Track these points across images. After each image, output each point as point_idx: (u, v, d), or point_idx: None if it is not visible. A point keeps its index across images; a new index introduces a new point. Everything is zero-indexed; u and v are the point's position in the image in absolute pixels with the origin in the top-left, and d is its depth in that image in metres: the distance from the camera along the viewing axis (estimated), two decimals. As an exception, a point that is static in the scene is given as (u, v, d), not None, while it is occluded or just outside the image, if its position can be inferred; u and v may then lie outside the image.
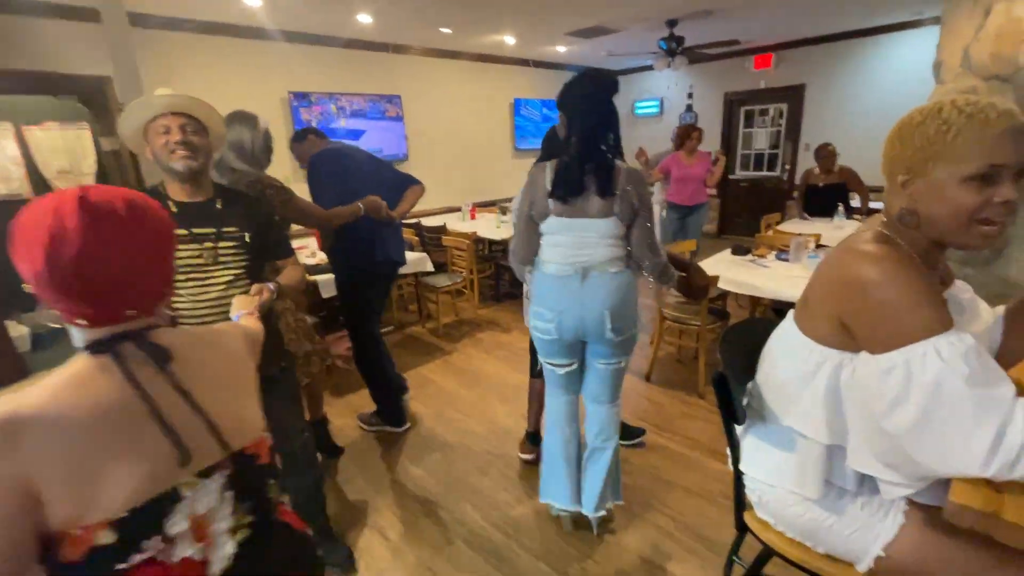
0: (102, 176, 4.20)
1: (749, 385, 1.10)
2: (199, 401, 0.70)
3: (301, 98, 4.57)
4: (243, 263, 1.41)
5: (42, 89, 3.51)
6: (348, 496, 2.20)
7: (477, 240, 4.52)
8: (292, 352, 2.07)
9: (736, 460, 1.10)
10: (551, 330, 1.65)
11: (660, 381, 3.11)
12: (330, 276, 3.07)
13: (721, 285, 2.86)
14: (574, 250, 1.57)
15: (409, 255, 3.52)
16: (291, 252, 1.61)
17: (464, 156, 6.02)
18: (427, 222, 4.94)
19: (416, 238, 4.56)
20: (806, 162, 6.26)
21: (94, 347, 0.65)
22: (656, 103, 7.41)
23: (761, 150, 6.73)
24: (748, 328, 1.18)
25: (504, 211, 5.08)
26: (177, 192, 1.38)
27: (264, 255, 1.51)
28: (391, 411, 2.67)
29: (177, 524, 0.64)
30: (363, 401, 2.94)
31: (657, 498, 2.10)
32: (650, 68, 6.91)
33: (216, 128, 1.41)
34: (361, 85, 4.96)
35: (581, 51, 5.94)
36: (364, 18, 4.06)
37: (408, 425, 2.72)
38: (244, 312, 1.16)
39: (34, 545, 0.58)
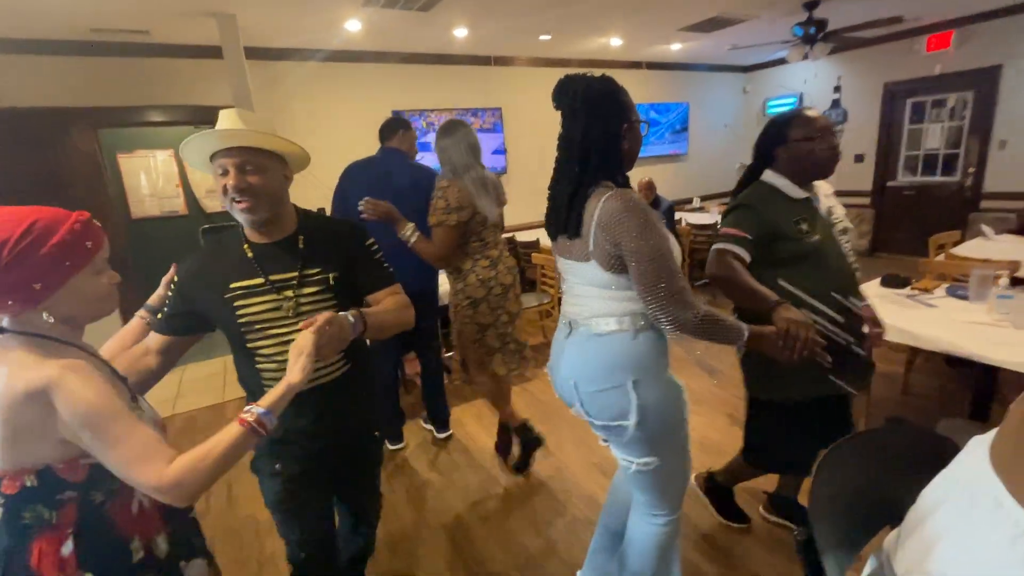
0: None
1: (869, 572, 0.66)
2: None
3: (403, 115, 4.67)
4: (330, 310, 1.12)
5: (185, 119, 3.98)
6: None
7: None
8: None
9: None
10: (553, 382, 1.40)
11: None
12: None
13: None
14: (567, 298, 1.31)
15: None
16: (390, 282, 1.31)
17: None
18: (521, 236, 4.75)
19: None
20: (1000, 164, 4.93)
21: None
22: (792, 100, 6.44)
23: (933, 150, 5.47)
24: (873, 445, 0.74)
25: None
26: (252, 233, 1.18)
27: (355, 293, 1.26)
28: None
29: None
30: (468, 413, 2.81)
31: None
32: (783, 62, 6.01)
33: (290, 153, 1.17)
34: (461, 100, 4.95)
35: (699, 47, 5.34)
36: (460, 32, 4.01)
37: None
38: (246, 412, 0.87)
39: None
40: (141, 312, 1.26)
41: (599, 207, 1.12)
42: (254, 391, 1.22)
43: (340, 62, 4.34)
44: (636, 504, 1.36)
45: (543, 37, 4.42)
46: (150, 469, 0.77)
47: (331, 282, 1.19)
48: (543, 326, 4.28)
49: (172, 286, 1.20)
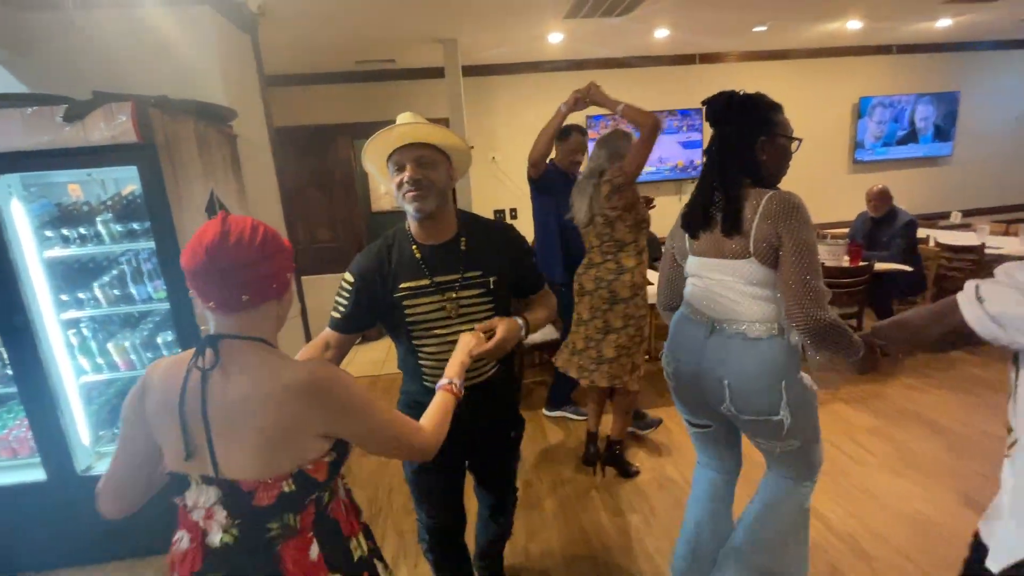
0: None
1: None
2: (209, 414, 0.79)
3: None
4: (487, 312, 1.24)
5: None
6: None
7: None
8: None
9: None
10: (670, 375, 1.50)
11: None
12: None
13: None
14: (707, 296, 1.36)
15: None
16: (542, 284, 1.40)
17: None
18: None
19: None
20: None
21: (202, 340, 0.83)
22: None
23: None
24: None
25: (824, 237, 4.02)
26: (419, 234, 1.24)
27: (510, 296, 1.32)
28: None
29: (190, 499, 0.82)
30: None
31: None
32: None
33: (459, 153, 1.25)
34: (663, 101, 4.77)
35: (975, 21, 4.18)
36: (661, 33, 3.89)
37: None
38: (444, 383, 1.05)
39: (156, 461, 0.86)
40: None
41: (763, 202, 1.24)
42: (413, 378, 1.32)
43: (541, 72, 4.61)
44: (780, 480, 1.46)
45: (758, 28, 4.00)
46: (420, 436, 0.93)
47: (491, 285, 1.24)
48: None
49: (348, 286, 1.24)
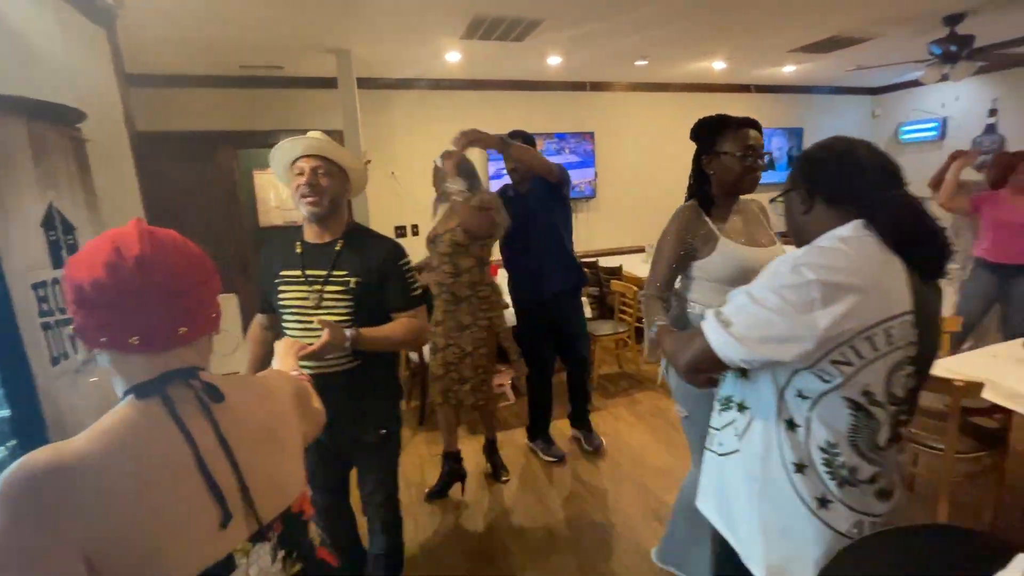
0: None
1: None
2: (237, 456, 0.66)
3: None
4: (347, 310, 1.38)
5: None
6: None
7: (653, 287, 4.03)
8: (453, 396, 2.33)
9: None
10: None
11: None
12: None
13: (989, 395, 1.86)
14: None
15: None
16: (411, 306, 1.47)
17: (660, 193, 5.53)
18: (604, 262, 4.66)
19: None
20: None
21: (140, 390, 0.62)
22: (934, 125, 5.66)
23: (1125, 185, 4.47)
24: (907, 545, 0.61)
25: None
26: (309, 233, 1.45)
27: (374, 304, 1.42)
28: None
29: None
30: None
31: None
32: (919, 83, 5.34)
33: (356, 173, 1.45)
34: (553, 124, 5.01)
35: (817, 69, 4.92)
36: (554, 60, 4.09)
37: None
38: (295, 375, 1.05)
39: None
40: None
41: None
42: None
43: (440, 90, 4.62)
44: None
45: (639, 63, 4.36)
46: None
47: (352, 286, 1.38)
48: (619, 355, 4.14)
49: (262, 271, 1.52)
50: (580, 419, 2.81)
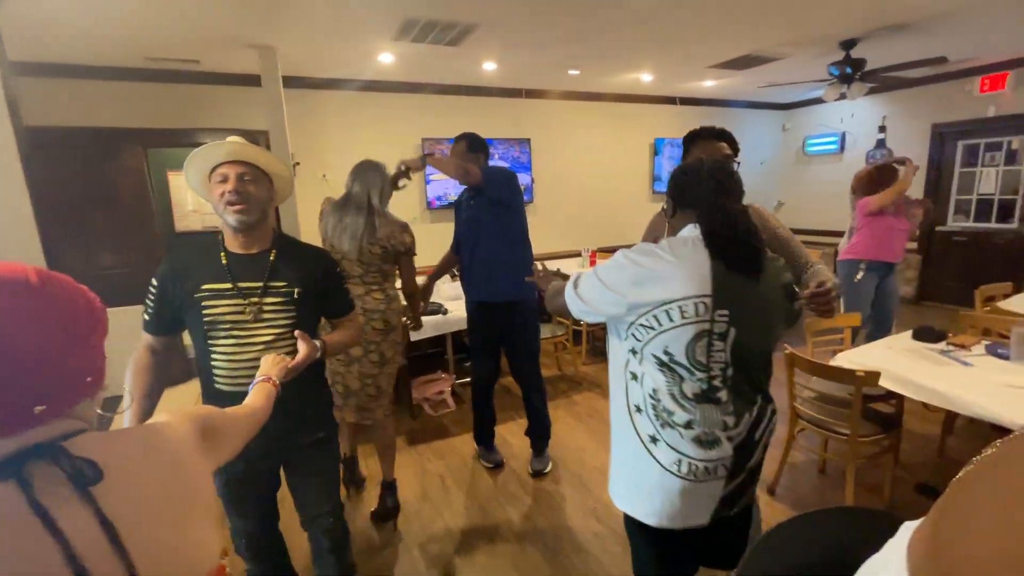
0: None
1: None
2: (125, 538, 0.53)
3: (431, 143, 4.79)
4: (288, 321, 1.31)
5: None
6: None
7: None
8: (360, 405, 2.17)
9: None
10: None
11: (790, 499, 2.34)
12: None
13: (885, 383, 2.06)
14: None
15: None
16: (350, 309, 1.51)
17: (596, 199, 5.71)
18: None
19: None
20: (1062, 212, 4.58)
21: (14, 463, 0.50)
22: (835, 139, 6.23)
23: (988, 195, 5.14)
24: (818, 529, 0.66)
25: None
26: (232, 243, 1.33)
27: (317, 312, 1.41)
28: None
29: None
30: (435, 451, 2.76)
31: None
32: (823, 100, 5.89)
33: (281, 177, 1.36)
34: (490, 130, 5.03)
35: (733, 84, 5.27)
36: (489, 66, 4.11)
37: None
38: (261, 378, 1.08)
39: None
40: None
41: None
42: (206, 382, 1.35)
43: (375, 92, 4.51)
44: None
45: (572, 72, 4.47)
46: (259, 413, 0.97)
47: (295, 296, 1.33)
48: (558, 358, 4.20)
49: (154, 287, 1.31)
50: (534, 444, 2.72)
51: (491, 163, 2.57)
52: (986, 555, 0.34)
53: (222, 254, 1.31)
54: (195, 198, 5.32)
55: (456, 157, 2.45)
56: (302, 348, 1.23)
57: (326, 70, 4.07)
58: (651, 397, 1.14)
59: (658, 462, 1.14)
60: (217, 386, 1.31)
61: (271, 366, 1.13)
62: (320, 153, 4.39)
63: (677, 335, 1.09)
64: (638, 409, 1.16)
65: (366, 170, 2.19)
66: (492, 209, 2.39)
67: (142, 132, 3.84)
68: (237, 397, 1.06)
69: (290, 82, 3.94)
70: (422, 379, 3.61)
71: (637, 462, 1.18)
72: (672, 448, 1.13)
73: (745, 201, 1.23)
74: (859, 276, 3.34)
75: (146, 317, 1.32)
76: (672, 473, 1.13)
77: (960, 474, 0.45)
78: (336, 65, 3.93)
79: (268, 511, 1.50)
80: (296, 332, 1.26)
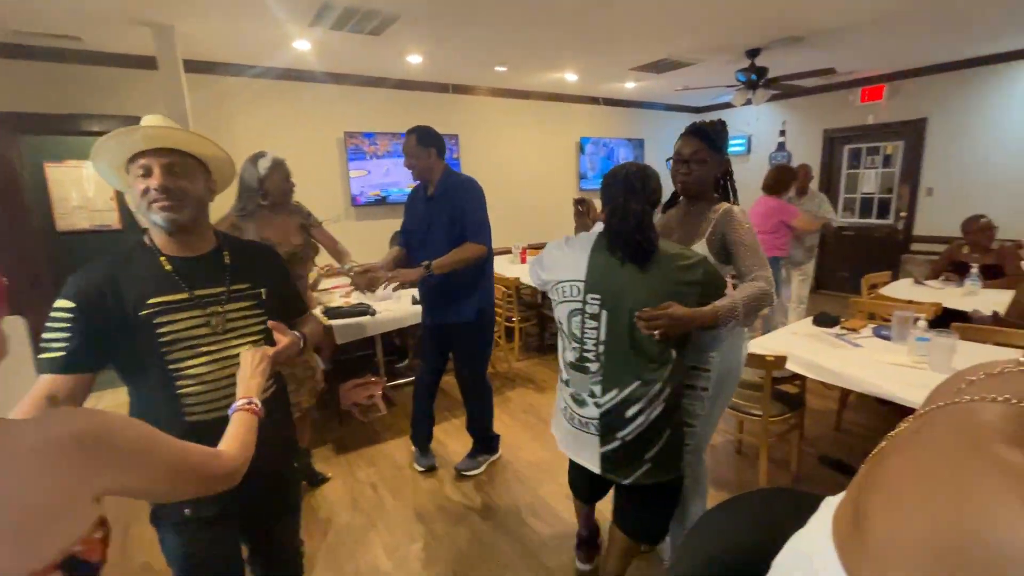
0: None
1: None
2: None
3: (355, 137, 4.60)
4: (260, 326, 1.17)
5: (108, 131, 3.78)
6: None
7: (521, 286, 4.16)
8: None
9: None
10: None
11: (711, 478, 2.48)
12: (347, 321, 3.01)
13: (790, 366, 2.24)
14: None
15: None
16: (307, 306, 1.45)
17: (524, 196, 5.76)
18: (473, 265, 4.68)
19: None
20: (927, 209, 5.24)
21: None
22: (743, 141, 6.72)
23: (869, 194, 5.77)
24: (751, 509, 0.68)
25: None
26: (169, 246, 1.10)
27: (282, 315, 1.25)
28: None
29: None
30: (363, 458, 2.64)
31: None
32: (732, 105, 6.33)
33: (218, 163, 1.16)
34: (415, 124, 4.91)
35: (653, 87, 5.52)
36: (414, 59, 4.00)
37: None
38: (241, 403, 0.95)
39: None
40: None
41: None
42: (169, 417, 1.06)
43: (292, 81, 4.25)
44: None
45: (499, 68, 4.47)
46: (221, 460, 0.80)
47: (263, 297, 1.19)
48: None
49: (65, 315, 1.00)
50: (473, 447, 2.68)
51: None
52: (907, 537, 0.35)
53: (162, 260, 1.09)
54: (81, 194, 4.75)
55: (407, 154, 2.45)
56: (281, 339, 1.13)
57: (236, 55, 3.78)
58: (562, 353, 1.51)
59: (562, 399, 1.53)
60: (190, 418, 1.08)
61: (251, 375, 1.00)
62: (228, 145, 4.04)
63: (562, 310, 1.45)
64: (563, 362, 1.52)
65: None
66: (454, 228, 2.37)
67: (13, 116, 3.35)
68: (218, 425, 0.91)
69: (193, 66, 3.62)
70: (351, 383, 3.45)
71: (558, 395, 1.56)
72: (561, 395, 1.53)
73: (736, 203, 1.54)
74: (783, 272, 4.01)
75: (52, 355, 0.99)
76: (561, 412, 1.53)
77: (875, 451, 0.47)
78: (247, 50, 3.66)
79: (235, 569, 1.23)
80: (270, 323, 1.15)
